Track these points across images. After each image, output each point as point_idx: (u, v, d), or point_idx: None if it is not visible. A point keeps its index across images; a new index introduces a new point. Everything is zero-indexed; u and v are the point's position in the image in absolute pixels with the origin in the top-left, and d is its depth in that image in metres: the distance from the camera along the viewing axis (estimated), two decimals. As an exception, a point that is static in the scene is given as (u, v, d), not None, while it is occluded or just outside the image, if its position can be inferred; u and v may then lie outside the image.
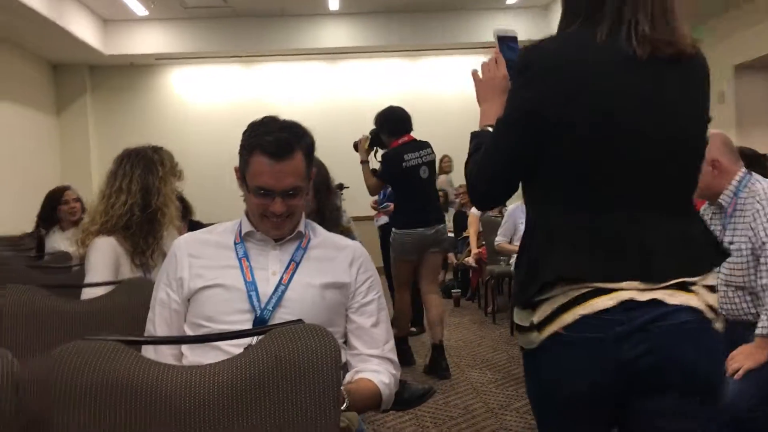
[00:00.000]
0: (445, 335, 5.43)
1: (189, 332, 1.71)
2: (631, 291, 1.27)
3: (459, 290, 7.27)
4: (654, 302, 1.27)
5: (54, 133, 9.36)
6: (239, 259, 1.74)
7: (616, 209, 1.31)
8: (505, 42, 1.64)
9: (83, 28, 8.18)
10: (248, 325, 1.66)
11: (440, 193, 8.53)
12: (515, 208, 5.63)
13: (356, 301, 1.79)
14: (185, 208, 3.73)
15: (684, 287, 1.29)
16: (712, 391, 1.32)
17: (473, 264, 6.76)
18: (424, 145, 4.51)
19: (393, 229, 4.59)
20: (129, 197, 2.36)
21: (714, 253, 1.39)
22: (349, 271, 1.79)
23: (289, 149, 1.66)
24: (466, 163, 1.49)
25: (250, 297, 1.68)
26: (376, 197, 5.48)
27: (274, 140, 1.66)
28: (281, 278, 1.72)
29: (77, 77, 9.51)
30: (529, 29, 9.32)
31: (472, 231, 6.95)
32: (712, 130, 2.39)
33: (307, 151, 1.72)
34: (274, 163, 1.65)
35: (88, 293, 2.17)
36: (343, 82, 9.98)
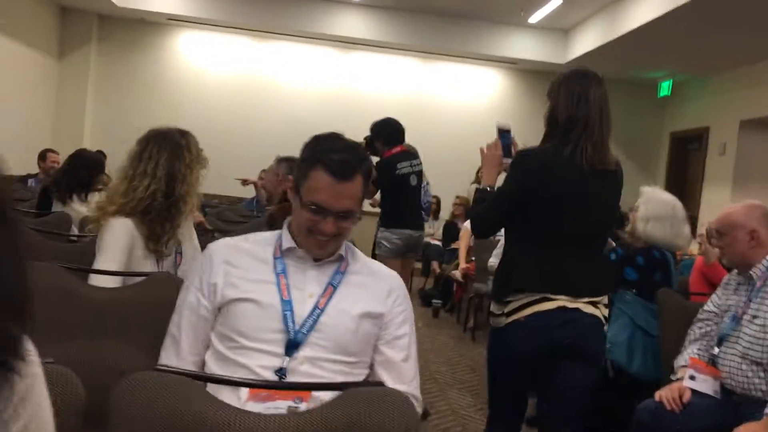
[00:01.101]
0: (424, 348, 5.41)
1: (216, 342, 1.65)
2: (563, 301, 2.24)
3: (440, 301, 7.24)
4: (576, 309, 2.25)
5: (53, 76, 9.15)
6: (277, 275, 1.69)
7: (557, 251, 2.27)
8: (502, 132, 2.49)
9: (99, -24, 7.99)
10: (280, 346, 1.61)
11: (433, 199, 8.56)
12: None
13: (389, 333, 1.74)
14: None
15: (593, 303, 2.28)
16: (598, 362, 2.45)
17: (459, 278, 6.73)
18: (415, 155, 5.06)
19: (381, 229, 5.01)
20: (153, 182, 2.27)
21: (609, 285, 2.48)
22: (385, 302, 1.75)
23: (351, 171, 1.63)
24: (472, 208, 2.53)
25: (284, 317, 1.63)
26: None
27: (339, 160, 1.62)
28: (318, 301, 1.67)
29: (84, 24, 9.29)
30: (548, 51, 9.32)
31: (462, 244, 6.91)
32: (753, 201, 2.40)
33: (366, 175, 1.68)
34: (335, 183, 1.62)
35: (98, 276, 2.09)
36: (352, 72, 9.88)
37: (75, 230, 3.51)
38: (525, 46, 9.34)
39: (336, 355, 1.64)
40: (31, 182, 6.87)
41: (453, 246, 7.60)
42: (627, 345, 3.01)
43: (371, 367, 1.75)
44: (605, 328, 2.34)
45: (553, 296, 2.23)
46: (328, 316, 1.65)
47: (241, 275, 1.67)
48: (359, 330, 1.68)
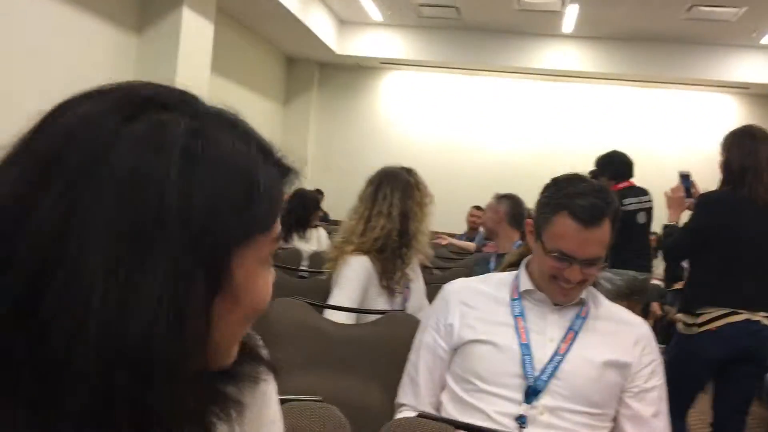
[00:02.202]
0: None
1: (452, 384, 1.62)
2: (747, 314, 2.69)
3: (663, 345, 6.71)
4: (757, 322, 2.69)
5: (278, 122, 9.94)
6: (515, 318, 1.63)
7: (738, 274, 2.74)
8: (684, 176, 3.14)
9: (322, 27, 8.58)
10: (519, 391, 1.55)
11: (652, 237, 8.02)
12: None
13: (636, 385, 1.61)
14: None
15: None
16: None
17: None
18: (644, 191, 4.74)
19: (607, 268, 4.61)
20: (388, 222, 2.34)
21: None
22: (632, 351, 1.62)
23: (600, 217, 1.53)
24: (663, 241, 3.16)
25: (524, 361, 1.56)
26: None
27: (587, 206, 1.52)
28: (558, 347, 1.58)
29: (308, 72, 10.01)
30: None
31: (688, 285, 6.38)
32: None
33: (614, 218, 1.57)
34: (582, 230, 1.52)
35: (333, 311, 2.17)
36: (565, 105, 9.64)
37: (304, 266, 3.72)
38: (759, 69, 8.54)
39: (578, 405, 1.55)
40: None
41: (676, 287, 7.04)
42: None
43: (615, 420, 1.63)
44: None
45: (738, 310, 2.72)
46: (570, 363, 1.56)
47: (477, 316, 1.64)
48: (603, 379, 1.57)
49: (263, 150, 0.62)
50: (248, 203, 0.57)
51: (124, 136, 0.54)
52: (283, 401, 0.73)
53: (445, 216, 7.85)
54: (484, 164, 9.28)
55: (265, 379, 0.71)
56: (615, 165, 4.63)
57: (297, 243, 4.15)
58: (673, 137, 9.34)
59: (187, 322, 0.53)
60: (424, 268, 3.85)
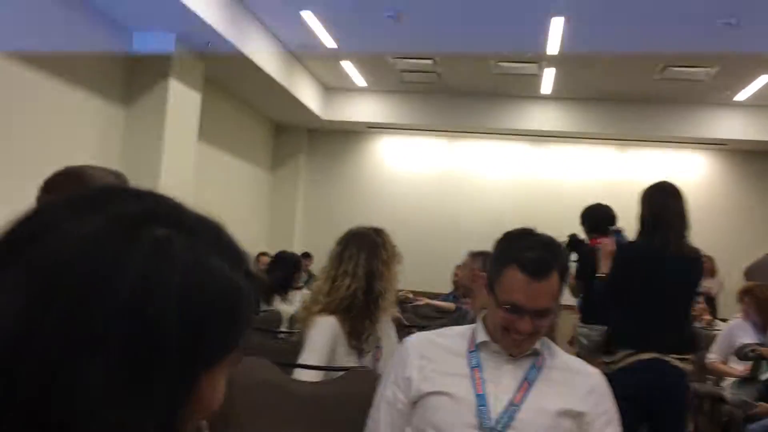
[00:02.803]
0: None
1: (412, 438, 1.65)
2: (657, 354, 2.93)
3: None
4: (668, 362, 2.92)
5: (266, 188, 10.06)
6: (471, 369, 1.67)
7: (651, 318, 2.98)
8: (617, 231, 3.53)
9: (308, 94, 8.80)
10: (474, 440, 1.58)
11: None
12: (735, 324, 5.11)
13: (592, 435, 1.64)
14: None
15: (680, 359, 2.95)
16: (684, 404, 3.17)
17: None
18: None
19: (579, 324, 4.54)
20: (354, 281, 2.38)
21: (692, 346, 3.19)
22: (587, 400, 1.66)
23: (547, 269, 1.59)
24: (594, 291, 3.46)
25: (480, 411, 1.61)
26: None
27: (535, 259, 1.59)
28: (513, 397, 1.63)
29: (295, 138, 10.20)
30: (760, 128, 8.71)
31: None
32: None
33: (562, 271, 1.63)
34: (531, 282, 1.58)
35: (302, 370, 2.20)
36: (545, 165, 9.81)
37: (284, 328, 3.75)
38: (734, 126, 8.77)
39: (534, 454, 1.58)
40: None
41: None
42: None
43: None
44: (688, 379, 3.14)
45: (649, 351, 2.95)
46: (525, 413, 1.60)
47: (435, 369, 1.68)
48: (558, 428, 1.61)
49: (240, 262, 0.63)
50: (231, 326, 0.60)
51: (128, 261, 0.55)
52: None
53: (432, 275, 7.98)
54: (472, 224, 9.37)
55: None
56: (593, 218, 4.61)
57: (279, 305, 4.18)
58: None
59: None
60: (404, 327, 3.90)
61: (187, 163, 6.52)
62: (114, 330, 0.53)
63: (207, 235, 0.62)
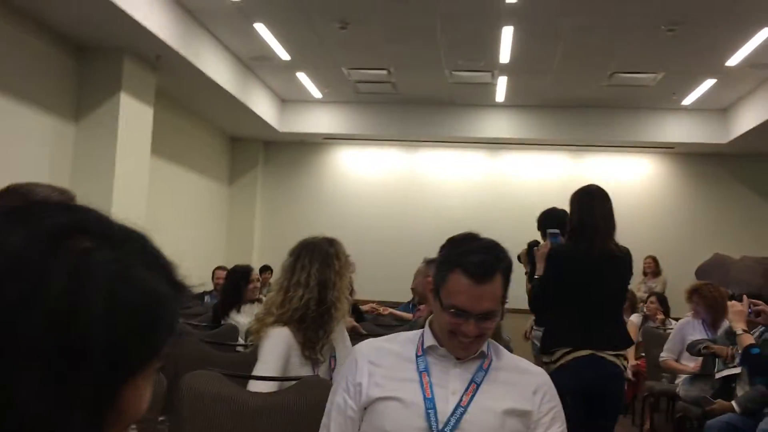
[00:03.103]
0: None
1: (363, 442, 1.67)
2: (592, 351, 3.06)
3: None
4: (602, 358, 3.07)
5: (223, 202, 9.98)
6: (419, 373, 1.70)
7: (584, 317, 3.13)
8: (553, 234, 3.39)
9: (263, 107, 8.78)
10: (425, 445, 1.60)
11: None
12: (685, 323, 5.25)
13: (538, 432, 1.68)
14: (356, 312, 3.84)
15: (615, 355, 3.10)
16: (620, 398, 3.31)
17: (630, 377, 6.30)
18: None
19: (534, 327, 4.67)
20: (306, 292, 2.39)
21: (625, 342, 3.29)
22: (532, 399, 1.70)
23: (490, 272, 1.62)
24: (530, 290, 3.54)
25: (428, 415, 1.63)
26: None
27: (478, 263, 1.61)
28: (461, 399, 1.65)
29: (252, 151, 10.14)
30: (705, 132, 8.95)
31: (630, 340, 6.52)
32: None
33: (506, 274, 1.67)
34: (474, 286, 1.61)
35: (256, 381, 2.20)
36: (501, 172, 9.95)
37: (241, 341, 3.73)
38: (681, 129, 9.01)
39: (482, 454, 1.61)
40: (207, 298, 7.40)
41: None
42: None
43: (521, 468, 1.68)
44: (625, 374, 3.30)
45: (584, 349, 3.09)
46: (472, 414, 1.63)
47: (384, 374, 1.70)
48: (505, 428, 1.64)
49: (165, 272, 0.64)
50: (153, 336, 0.61)
51: (50, 274, 0.56)
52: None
53: (393, 285, 7.98)
54: (430, 232, 9.42)
55: None
56: (548, 221, 4.71)
57: (235, 317, 4.16)
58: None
59: None
60: (361, 336, 3.91)
61: (140, 178, 6.45)
62: (39, 343, 0.55)
63: (131, 246, 0.63)
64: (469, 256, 1.64)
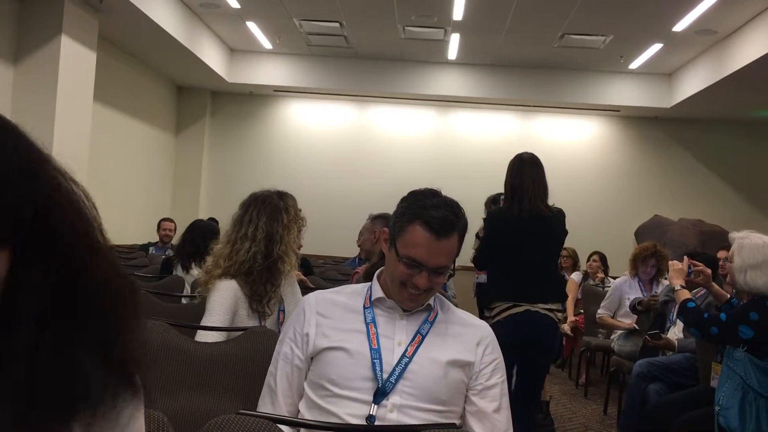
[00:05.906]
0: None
1: (309, 391, 1.70)
2: (527, 306, 3.36)
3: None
4: (536, 312, 3.36)
5: (170, 152, 9.79)
6: (366, 324, 1.73)
7: (519, 274, 3.42)
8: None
9: (212, 56, 8.56)
10: (369, 393, 1.64)
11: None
12: (622, 282, 5.43)
13: (479, 383, 1.74)
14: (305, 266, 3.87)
15: (548, 309, 3.39)
16: (553, 349, 3.60)
17: (568, 332, 6.53)
18: None
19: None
20: (253, 245, 2.39)
21: (559, 297, 3.60)
22: (475, 351, 1.75)
23: (450, 229, 1.66)
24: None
25: (373, 365, 1.66)
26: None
27: (439, 218, 1.64)
28: (406, 350, 1.70)
29: (199, 101, 9.93)
30: (652, 96, 9.13)
31: (570, 297, 6.73)
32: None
33: (462, 233, 1.70)
34: (433, 240, 1.64)
35: (203, 333, 2.21)
36: (451, 130, 10.00)
37: (188, 292, 3.71)
38: (627, 93, 9.17)
39: (425, 403, 1.66)
40: (151, 250, 7.31)
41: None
42: (739, 408, 2.81)
43: (463, 417, 1.75)
44: (559, 324, 3.53)
45: (520, 303, 3.37)
46: (417, 364, 1.68)
47: (332, 325, 1.73)
48: (448, 378, 1.69)
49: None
50: None
51: None
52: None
53: (340, 239, 8.00)
54: (379, 188, 9.46)
55: (124, 404, 0.70)
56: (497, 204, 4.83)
57: (196, 272, 4.11)
58: (552, 160, 9.80)
59: None
60: (309, 290, 3.93)
61: (82, 124, 6.26)
62: None
63: None
64: (431, 210, 1.66)
